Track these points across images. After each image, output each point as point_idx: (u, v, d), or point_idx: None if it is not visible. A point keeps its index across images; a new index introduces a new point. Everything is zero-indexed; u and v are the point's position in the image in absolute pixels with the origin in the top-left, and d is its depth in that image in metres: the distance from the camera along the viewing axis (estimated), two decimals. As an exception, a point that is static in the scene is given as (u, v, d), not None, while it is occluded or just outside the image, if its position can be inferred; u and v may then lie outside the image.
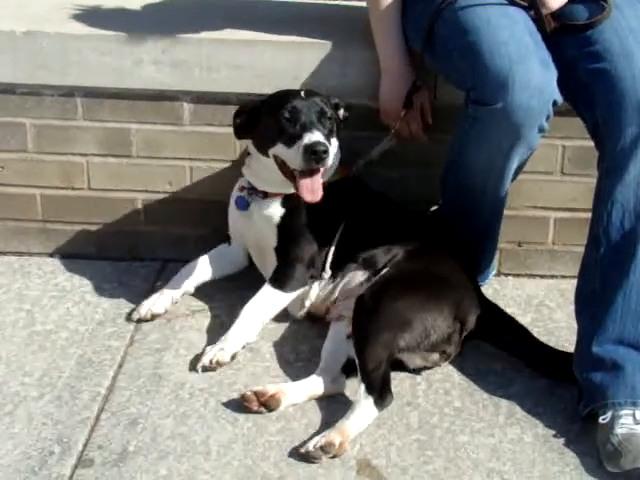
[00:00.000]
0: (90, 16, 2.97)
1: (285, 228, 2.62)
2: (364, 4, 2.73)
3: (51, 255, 3.06)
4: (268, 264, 2.68)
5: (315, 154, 2.39)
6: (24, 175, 2.99)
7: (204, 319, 2.75)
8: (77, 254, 3.05)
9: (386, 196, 2.73)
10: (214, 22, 2.94)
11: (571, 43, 2.43)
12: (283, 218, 2.62)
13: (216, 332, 2.64)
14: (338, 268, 2.62)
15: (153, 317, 2.72)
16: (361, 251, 2.61)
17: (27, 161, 2.97)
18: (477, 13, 2.40)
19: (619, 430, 2.22)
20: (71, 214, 3.02)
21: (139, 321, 2.72)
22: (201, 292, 2.82)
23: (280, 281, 2.60)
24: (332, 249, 2.61)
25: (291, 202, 2.60)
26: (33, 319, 2.73)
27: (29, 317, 2.74)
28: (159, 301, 2.74)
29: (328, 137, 2.48)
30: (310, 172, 2.44)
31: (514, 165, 2.52)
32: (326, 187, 2.50)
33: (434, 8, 2.48)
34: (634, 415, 2.24)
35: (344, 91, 2.71)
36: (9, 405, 2.39)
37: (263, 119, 2.55)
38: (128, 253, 3.04)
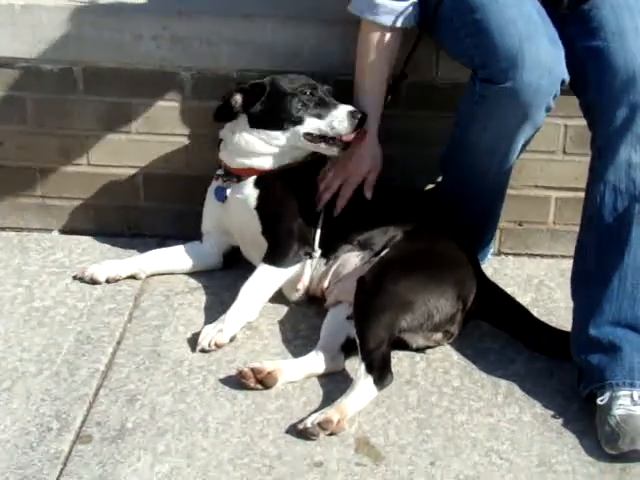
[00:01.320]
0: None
1: (265, 209, 2.64)
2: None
3: (50, 231, 3.05)
4: (257, 254, 2.68)
5: (361, 118, 2.56)
6: (23, 150, 2.97)
7: (203, 296, 2.75)
8: (76, 230, 3.05)
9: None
10: (215, -3, 2.92)
11: (571, 19, 2.40)
12: (259, 199, 2.64)
13: (215, 309, 2.64)
14: (330, 249, 2.62)
15: (93, 282, 2.76)
16: (355, 232, 2.61)
17: (26, 136, 2.96)
18: None
19: (617, 411, 2.22)
20: (70, 190, 3.01)
21: (81, 280, 2.77)
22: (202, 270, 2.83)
23: (274, 258, 2.60)
24: (318, 228, 2.61)
25: (264, 182, 2.64)
26: (32, 295, 2.73)
27: (27, 293, 2.74)
28: (108, 268, 2.77)
29: None
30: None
31: (519, 144, 2.51)
32: (304, 166, 2.62)
33: None
34: (632, 396, 2.24)
35: (344, 66, 2.69)
36: (7, 381, 2.39)
37: (273, 96, 2.61)
38: (127, 229, 3.03)
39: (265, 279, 2.59)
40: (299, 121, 2.59)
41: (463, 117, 2.55)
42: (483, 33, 2.34)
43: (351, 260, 2.60)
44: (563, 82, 2.37)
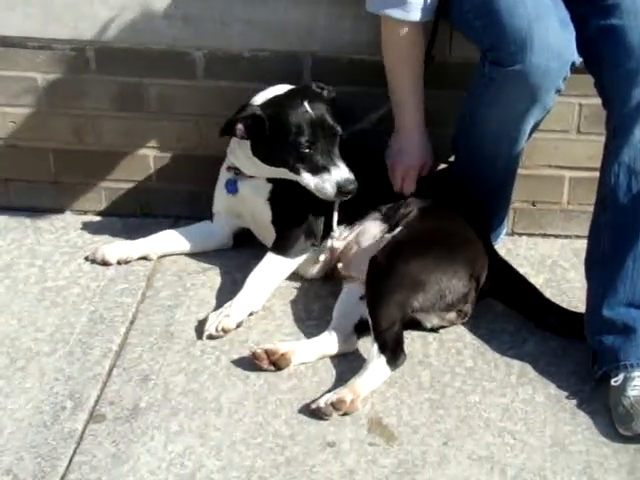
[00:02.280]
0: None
1: (277, 201, 2.65)
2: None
3: (63, 211, 3.05)
4: (269, 237, 2.69)
5: (348, 192, 2.49)
6: (36, 130, 2.97)
7: (215, 276, 2.75)
8: (89, 210, 3.05)
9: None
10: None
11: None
12: (272, 192, 2.65)
13: (227, 289, 2.64)
14: (355, 217, 2.63)
15: (104, 263, 2.76)
16: (376, 202, 2.62)
17: (39, 116, 2.95)
18: None
19: (631, 392, 2.22)
20: (83, 170, 3.01)
21: (93, 262, 2.76)
22: (213, 250, 2.83)
23: (281, 248, 2.61)
24: (335, 211, 2.62)
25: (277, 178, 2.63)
26: (45, 275, 2.73)
27: (41, 273, 2.74)
28: (120, 250, 2.77)
29: None
30: None
31: (529, 126, 2.49)
32: None
33: None
34: (646, 377, 2.23)
35: (357, 47, 2.68)
36: (21, 360, 2.40)
37: (272, 136, 2.53)
38: (140, 209, 3.03)
39: (272, 268, 2.60)
40: (294, 170, 2.54)
41: (472, 99, 2.53)
42: (492, 15, 2.32)
43: (372, 229, 2.61)
44: (573, 64, 2.35)
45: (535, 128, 2.55)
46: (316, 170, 2.51)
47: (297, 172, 2.54)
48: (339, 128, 2.54)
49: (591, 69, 2.44)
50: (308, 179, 2.52)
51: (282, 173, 2.58)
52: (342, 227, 2.65)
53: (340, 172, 2.49)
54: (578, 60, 2.36)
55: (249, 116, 2.54)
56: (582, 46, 2.39)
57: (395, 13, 2.48)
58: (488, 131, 2.54)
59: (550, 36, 2.28)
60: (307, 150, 2.50)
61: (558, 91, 2.39)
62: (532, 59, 2.28)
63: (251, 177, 2.68)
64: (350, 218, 2.64)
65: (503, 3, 2.31)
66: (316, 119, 2.52)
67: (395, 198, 2.63)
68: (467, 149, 2.66)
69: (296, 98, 2.55)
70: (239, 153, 2.67)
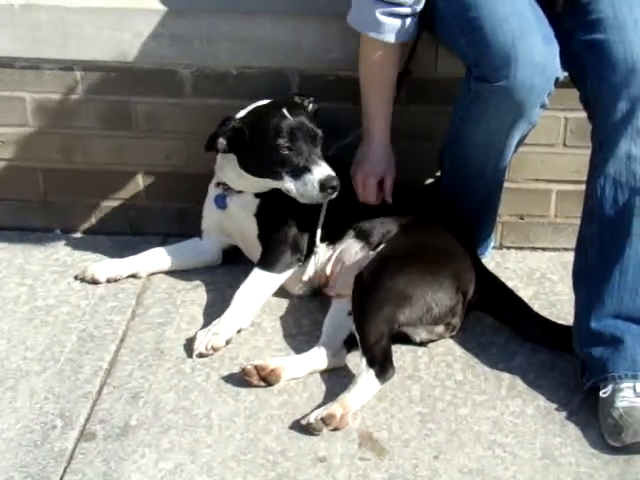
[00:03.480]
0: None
1: (264, 216, 2.66)
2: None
3: (52, 230, 3.06)
4: (256, 253, 2.69)
5: (332, 188, 2.47)
6: (25, 150, 2.97)
7: (205, 293, 2.75)
8: (78, 229, 3.05)
9: None
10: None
11: (569, 13, 2.40)
12: (260, 207, 2.67)
13: (218, 306, 2.64)
14: (334, 238, 2.64)
15: (93, 282, 2.76)
16: (355, 222, 2.63)
17: (27, 135, 2.96)
18: None
19: (620, 403, 2.22)
20: (72, 188, 3.01)
21: (82, 280, 2.77)
22: (203, 267, 2.84)
23: (267, 263, 2.61)
24: (318, 227, 2.63)
25: (265, 192, 2.64)
26: (34, 294, 2.73)
27: (30, 292, 2.74)
28: (109, 268, 2.78)
29: None
30: None
31: (515, 140, 2.51)
32: None
33: None
34: (634, 388, 2.24)
35: (344, 63, 2.69)
36: (11, 380, 2.40)
37: (253, 144, 2.55)
38: (129, 227, 3.03)
39: (259, 283, 2.60)
40: (276, 177, 2.54)
41: (458, 114, 2.55)
42: (476, 31, 2.33)
43: (352, 249, 2.62)
44: (557, 80, 2.37)
45: (521, 142, 2.57)
46: (297, 172, 2.50)
47: (279, 177, 2.53)
48: (319, 131, 2.55)
49: (576, 83, 2.46)
50: (290, 183, 2.52)
51: (268, 184, 2.59)
52: (324, 245, 2.65)
53: (322, 170, 2.48)
54: (562, 75, 2.38)
55: (229, 129, 2.56)
56: (567, 61, 2.41)
57: (371, 33, 2.50)
58: (474, 146, 2.55)
59: (534, 52, 2.30)
60: (287, 152, 2.50)
61: (543, 106, 2.41)
62: (517, 75, 2.30)
63: (239, 192, 2.69)
64: (331, 238, 2.65)
65: (487, 20, 2.33)
66: (294, 122, 2.53)
67: (375, 216, 2.63)
68: (454, 164, 2.67)
69: (275, 106, 2.58)
70: (226, 168, 2.68)
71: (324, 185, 2.47)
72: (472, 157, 2.59)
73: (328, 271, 2.65)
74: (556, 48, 2.36)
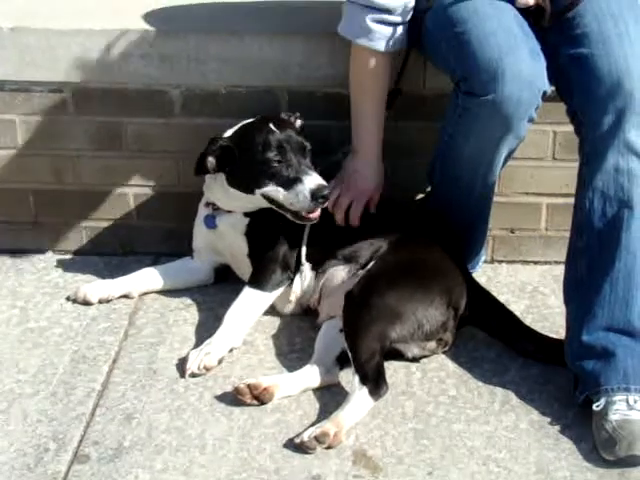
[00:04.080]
0: (76, 11, 2.95)
1: (253, 234, 2.67)
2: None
3: (44, 251, 3.05)
4: (246, 272, 2.70)
5: (323, 197, 2.47)
6: (15, 172, 2.97)
7: (198, 312, 2.75)
8: (69, 250, 3.05)
9: None
10: (202, 15, 2.93)
11: (554, 28, 2.41)
12: (249, 226, 2.67)
13: (210, 325, 2.63)
14: (317, 264, 2.64)
15: (85, 303, 2.76)
16: (339, 246, 2.63)
17: (18, 158, 2.96)
18: (464, 4, 2.39)
19: (613, 416, 2.22)
20: (63, 210, 3.02)
21: (74, 302, 2.76)
22: (195, 286, 2.85)
23: (258, 282, 2.62)
24: (303, 245, 2.63)
25: (254, 211, 2.65)
26: (27, 316, 2.73)
27: (22, 314, 2.74)
28: (101, 289, 2.77)
29: None
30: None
31: (503, 155, 2.52)
32: None
33: (423, 2, 2.46)
34: (627, 401, 2.24)
35: (333, 81, 2.71)
36: (4, 403, 2.39)
37: (242, 160, 2.56)
38: (120, 248, 3.04)
39: (250, 302, 2.60)
40: (268, 190, 2.54)
41: (447, 129, 2.56)
42: (464, 46, 2.35)
43: (338, 274, 2.62)
44: (544, 94, 2.38)
45: (509, 156, 2.58)
46: (288, 184, 2.50)
47: (263, 186, 2.53)
48: (307, 143, 2.56)
49: (563, 97, 2.48)
50: (281, 195, 2.52)
51: (258, 201, 2.59)
52: (310, 268, 2.65)
53: (312, 179, 2.49)
54: (549, 89, 2.39)
55: (217, 148, 2.57)
56: (554, 75, 2.43)
57: (361, 40, 2.51)
58: (463, 159, 2.56)
59: (521, 67, 2.31)
60: (276, 165, 2.51)
61: (531, 120, 2.42)
62: (504, 89, 2.31)
63: (229, 212, 2.70)
64: (317, 261, 2.65)
65: (475, 35, 2.34)
66: (282, 136, 2.54)
67: (363, 235, 2.63)
68: (443, 178, 2.68)
69: (262, 122, 2.59)
70: (215, 188, 2.68)
71: (315, 194, 2.47)
72: (461, 172, 2.60)
73: (315, 297, 2.66)
74: (543, 62, 2.37)
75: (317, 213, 2.52)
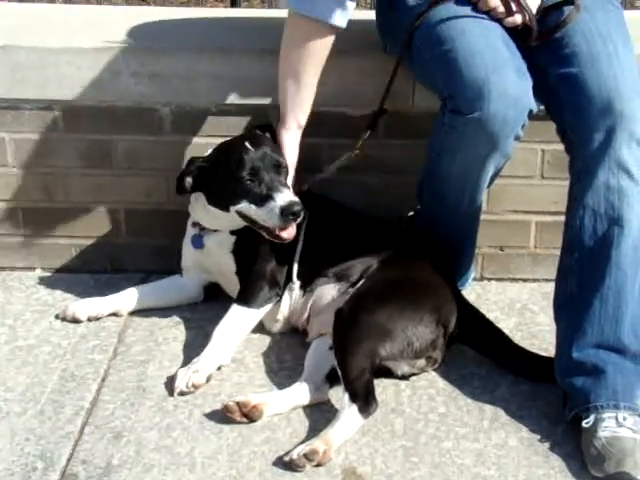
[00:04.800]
0: (66, 29, 2.96)
1: (240, 252, 2.68)
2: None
3: (33, 269, 3.05)
4: (235, 289, 2.70)
5: (293, 214, 2.46)
6: (4, 189, 2.97)
7: (187, 330, 2.75)
8: (59, 267, 3.05)
9: (348, 208, 2.76)
10: (192, 33, 2.94)
11: (542, 48, 2.43)
12: (236, 244, 2.68)
13: (200, 342, 2.62)
14: (306, 282, 2.65)
15: (74, 321, 2.75)
16: (329, 264, 2.63)
17: (7, 175, 2.96)
18: (452, 23, 2.41)
19: (602, 433, 2.23)
20: (52, 227, 3.01)
21: (64, 319, 2.76)
22: (185, 304, 2.85)
23: (246, 299, 2.62)
24: (295, 262, 2.64)
25: (241, 230, 2.66)
26: (15, 334, 2.72)
27: (11, 332, 2.73)
28: (90, 307, 2.77)
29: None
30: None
31: (490, 173, 2.53)
32: None
33: (411, 19, 2.48)
34: (617, 418, 2.25)
35: (321, 98, 2.70)
36: (-8, 421, 2.38)
37: (218, 179, 2.58)
38: (110, 265, 3.03)
39: (238, 319, 2.60)
40: (241, 207, 2.56)
41: (434, 147, 2.57)
42: (451, 64, 2.36)
43: (327, 292, 2.62)
44: (531, 112, 2.39)
45: (496, 174, 2.59)
46: (260, 201, 2.51)
47: (237, 203, 2.54)
48: (283, 160, 2.57)
49: (553, 116, 2.49)
50: (254, 212, 2.53)
51: (236, 219, 2.60)
52: (299, 287, 2.65)
53: (284, 196, 2.49)
54: (535, 108, 2.40)
55: (195, 168, 2.60)
56: (543, 94, 2.45)
57: (306, 10, 2.49)
58: (450, 177, 2.57)
59: (507, 85, 2.32)
60: (249, 182, 2.52)
61: (517, 138, 2.43)
62: (490, 107, 2.32)
63: (215, 231, 2.70)
64: (307, 280, 2.65)
65: (462, 53, 2.35)
66: (257, 154, 2.55)
67: (353, 254, 2.63)
68: (431, 196, 2.69)
69: (238, 141, 2.61)
70: (197, 208, 2.70)
71: (285, 210, 2.47)
72: (448, 190, 2.61)
73: (304, 316, 2.66)
74: (529, 81, 2.38)
75: (290, 233, 2.52)
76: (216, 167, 2.59)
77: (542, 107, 2.50)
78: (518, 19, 2.43)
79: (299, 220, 2.52)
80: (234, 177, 2.53)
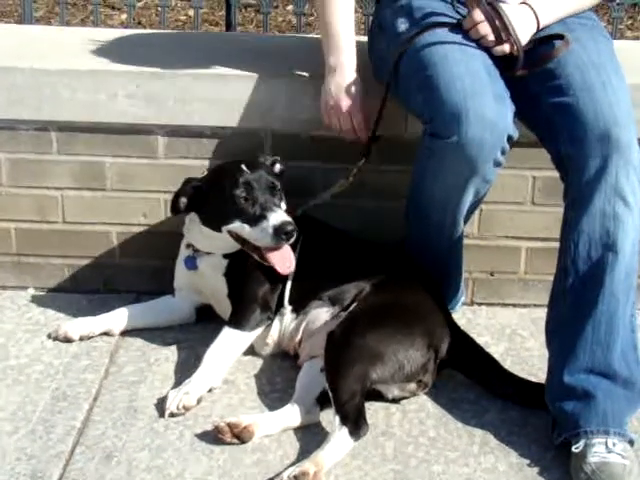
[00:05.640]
0: (63, 51, 2.99)
1: (233, 275, 2.69)
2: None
3: (25, 288, 3.05)
4: (227, 311, 2.71)
5: (286, 234, 2.49)
6: (-1, 209, 2.99)
7: (179, 351, 2.75)
8: (52, 287, 3.05)
9: (342, 231, 2.79)
10: (187, 56, 2.96)
11: (534, 78, 2.46)
12: (228, 267, 2.69)
13: (191, 364, 2.63)
14: (300, 305, 2.66)
15: (66, 340, 2.76)
16: (323, 288, 2.64)
17: (2, 195, 2.97)
18: (436, 49, 2.44)
19: (592, 459, 2.24)
20: (46, 247, 3.02)
21: (55, 339, 2.76)
22: (177, 325, 2.85)
23: (237, 321, 2.63)
24: (287, 286, 2.65)
25: (234, 253, 2.67)
26: (7, 353, 2.72)
27: (3, 351, 2.73)
28: (82, 326, 2.78)
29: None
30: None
31: (469, 197, 2.54)
32: None
33: (398, 46, 2.51)
34: (606, 443, 2.26)
35: (317, 123, 2.74)
36: (-17, 440, 2.38)
37: (212, 199, 2.61)
38: (103, 286, 3.04)
39: (228, 342, 2.61)
40: (228, 224, 2.59)
41: (417, 171, 2.60)
42: (431, 89, 2.39)
43: (321, 316, 2.63)
44: (510, 138, 2.42)
45: (480, 199, 2.61)
46: (253, 221, 2.53)
47: (230, 223, 2.57)
48: (278, 183, 2.60)
49: (547, 144, 2.51)
50: (246, 232, 2.55)
51: (228, 240, 2.62)
52: (291, 312, 2.66)
53: (277, 216, 2.51)
54: (515, 134, 2.43)
55: (190, 188, 2.63)
56: (537, 123, 2.49)
57: None
58: (432, 200, 2.59)
59: (485, 110, 2.35)
60: (243, 202, 2.55)
61: (498, 164, 2.45)
62: (468, 131, 2.35)
63: (209, 254, 2.72)
64: (299, 304, 2.66)
65: (442, 79, 2.39)
66: (252, 175, 2.58)
67: (345, 277, 2.64)
68: (416, 220, 2.71)
69: (234, 164, 2.64)
70: (192, 229, 2.72)
71: (278, 230, 2.50)
72: (431, 213, 2.63)
73: (297, 340, 2.66)
74: (508, 107, 2.41)
75: (286, 266, 2.55)
76: (211, 187, 2.62)
77: (530, 133, 2.54)
78: (506, 48, 2.46)
79: (291, 241, 2.54)
80: (228, 196, 2.55)
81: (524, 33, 2.47)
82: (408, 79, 2.51)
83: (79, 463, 2.31)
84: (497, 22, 2.44)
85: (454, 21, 2.52)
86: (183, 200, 2.64)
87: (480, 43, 2.47)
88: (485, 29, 2.46)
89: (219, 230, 2.62)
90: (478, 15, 2.45)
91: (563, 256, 2.42)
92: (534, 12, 2.49)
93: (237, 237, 2.60)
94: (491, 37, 2.46)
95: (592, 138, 2.34)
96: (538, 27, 2.49)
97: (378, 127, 2.66)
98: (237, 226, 2.57)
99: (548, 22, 2.52)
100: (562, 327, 2.41)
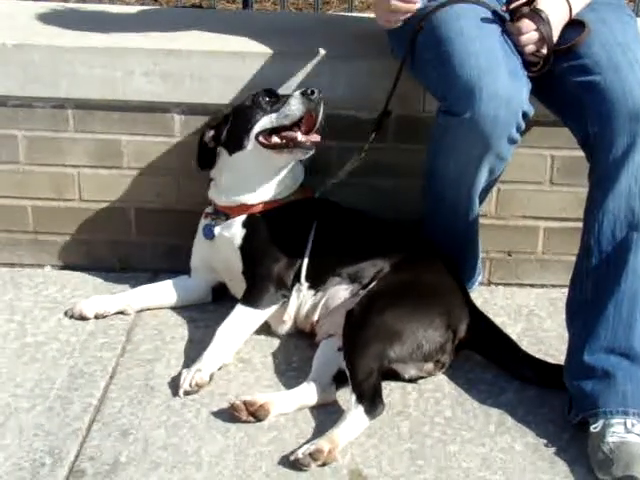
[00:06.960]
0: (80, 28, 2.97)
1: (248, 249, 2.68)
2: (354, 14, 2.74)
3: (42, 266, 3.06)
4: (241, 290, 2.70)
5: (312, 93, 2.55)
6: (15, 186, 2.99)
7: (195, 329, 2.76)
8: (68, 265, 3.06)
9: (360, 211, 2.77)
10: (204, 34, 2.95)
11: (558, 58, 2.43)
12: (245, 239, 2.68)
13: (207, 342, 2.61)
14: (319, 282, 2.65)
15: (82, 318, 2.77)
16: (341, 264, 2.63)
17: (19, 173, 2.98)
18: (451, 26, 2.42)
19: (610, 438, 2.23)
20: (62, 225, 3.03)
21: (71, 317, 2.77)
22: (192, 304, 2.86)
23: (250, 299, 2.62)
24: (304, 264, 2.64)
25: (251, 223, 2.67)
26: (24, 330, 2.73)
27: (20, 329, 2.74)
28: (97, 304, 2.78)
29: None
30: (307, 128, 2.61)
31: (484, 175, 2.53)
32: (287, 206, 2.66)
33: (415, 22, 2.49)
34: (625, 424, 2.25)
35: (332, 102, 2.72)
36: (0, 417, 2.39)
37: (236, 118, 2.68)
38: (119, 264, 3.04)
39: (241, 319, 2.61)
40: (260, 125, 2.64)
41: (431, 149, 2.59)
42: (446, 65, 2.38)
43: (340, 293, 2.62)
44: (525, 114, 2.39)
45: (495, 178, 2.59)
46: (280, 106, 2.61)
47: (258, 121, 2.61)
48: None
49: (572, 124, 2.48)
50: (274, 118, 2.60)
51: (260, 173, 2.65)
52: (308, 289, 2.66)
53: (298, 91, 2.59)
54: (531, 110, 2.41)
55: (213, 119, 2.72)
56: (562, 102, 2.46)
57: None
58: (447, 178, 2.58)
59: (499, 86, 2.33)
60: (267, 101, 2.64)
61: (513, 141, 2.43)
62: (481, 107, 2.33)
63: (227, 219, 2.70)
64: (317, 282, 2.65)
65: (456, 55, 2.37)
66: (273, 90, 2.68)
67: (365, 256, 2.63)
68: (432, 197, 2.70)
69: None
70: (222, 176, 2.72)
71: (305, 92, 2.56)
72: (446, 192, 2.62)
73: (315, 318, 2.66)
74: (523, 83, 2.39)
75: (316, 136, 2.60)
76: (234, 111, 2.69)
77: (548, 112, 2.52)
78: (543, 54, 2.43)
79: (320, 106, 2.56)
80: (252, 104, 2.64)
81: (557, 28, 2.44)
82: (424, 55, 2.49)
83: (95, 440, 2.32)
84: (542, 30, 2.40)
85: None
86: (209, 134, 2.68)
87: (520, 48, 2.43)
88: (531, 39, 2.42)
89: (248, 141, 2.63)
90: (527, 26, 2.40)
91: (586, 235, 2.40)
92: (568, 2, 2.46)
93: (268, 142, 2.62)
94: (533, 47, 2.43)
95: (620, 117, 2.31)
96: (570, 17, 2.46)
97: (389, 102, 2.65)
98: (265, 122, 2.60)
99: (579, 10, 2.48)
100: (585, 306, 2.40)
